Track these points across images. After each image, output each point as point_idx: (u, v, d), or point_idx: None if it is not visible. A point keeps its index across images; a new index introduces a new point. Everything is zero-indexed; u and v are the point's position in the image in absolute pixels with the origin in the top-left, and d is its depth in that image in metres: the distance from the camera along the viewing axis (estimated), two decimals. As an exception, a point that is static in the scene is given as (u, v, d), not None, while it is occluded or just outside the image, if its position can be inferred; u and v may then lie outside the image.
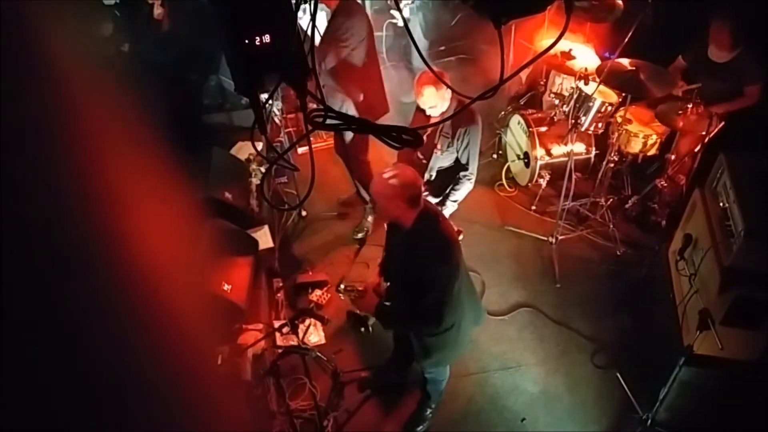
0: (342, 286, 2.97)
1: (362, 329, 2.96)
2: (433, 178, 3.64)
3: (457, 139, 3.42)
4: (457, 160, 3.52)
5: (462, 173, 3.52)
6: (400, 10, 5.48)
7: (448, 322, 2.74)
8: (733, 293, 3.09)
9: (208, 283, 3.06)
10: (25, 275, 0.55)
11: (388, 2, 5.14)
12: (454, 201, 3.57)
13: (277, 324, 3.26)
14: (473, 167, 3.53)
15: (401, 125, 1.41)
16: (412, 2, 5.46)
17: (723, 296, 3.12)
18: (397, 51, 6.30)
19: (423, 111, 3.40)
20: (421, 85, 3.26)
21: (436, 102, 3.28)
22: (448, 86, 3.07)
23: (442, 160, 3.55)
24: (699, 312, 3.17)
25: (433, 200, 3.58)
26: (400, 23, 5.12)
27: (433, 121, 3.36)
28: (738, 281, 3.08)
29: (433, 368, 3.15)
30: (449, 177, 3.57)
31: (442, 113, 3.35)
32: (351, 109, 4.05)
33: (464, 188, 3.55)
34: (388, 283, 2.96)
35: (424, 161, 3.61)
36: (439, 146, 3.49)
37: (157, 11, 4.63)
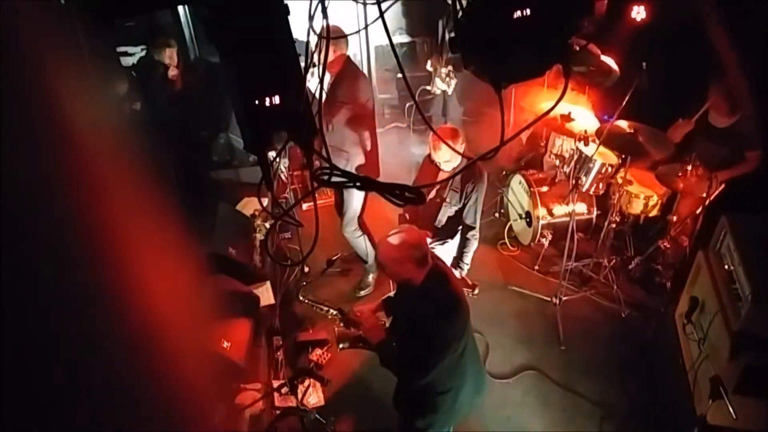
0: (341, 346, 2.99)
1: (343, 345, 2.98)
2: (441, 225, 3.73)
3: (465, 194, 3.54)
4: (460, 209, 3.61)
5: (470, 233, 3.63)
6: (401, 74, 5.64)
7: (447, 385, 2.69)
8: (745, 360, 3.01)
9: (208, 340, 3.02)
10: (27, 327, 0.55)
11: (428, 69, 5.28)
12: (467, 263, 3.70)
13: (276, 384, 3.19)
14: (478, 225, 3.65)
15: (404, 183, 1.43)
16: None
17: (734, 363, 3.04)
18: (401, 110, 6.48)
19: (434, 163, 3.54)
20: (436, 141, 3.40)
21: (451, 157, 3.41)
22: (451, 146, 3.17)
23: (449, 211, 3.66)
24: (710, 379, 3.07)
25: (441, 249, 3.70)
26: (436, 90, 5.29)
27: (442, 175, 3.53)
28: (749, 347, 3.01)
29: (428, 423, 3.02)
30: (454, 224, 3.68)
31: (453, 168, 3.48)
32: (354, 170, 4.14)
33: (473, 247, 3.68)
34: (388, 321, 2.93)
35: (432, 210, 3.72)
36: (448, 199, 3.60)
37: (172, 72, 4.81)
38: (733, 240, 3.33)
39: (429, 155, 3.63)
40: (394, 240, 2.54)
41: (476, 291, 3.59)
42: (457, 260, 3.71)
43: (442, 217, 3.70)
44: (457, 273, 3.59)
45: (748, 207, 3.61)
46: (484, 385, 3.04)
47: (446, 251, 3.74)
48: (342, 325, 3.06)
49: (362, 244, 4.57)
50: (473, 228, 3.63)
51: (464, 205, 3.58)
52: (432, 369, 2.60)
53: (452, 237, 3.75)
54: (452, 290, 2.66)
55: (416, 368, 2.64)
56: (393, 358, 2.75)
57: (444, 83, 4.78)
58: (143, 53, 5.66)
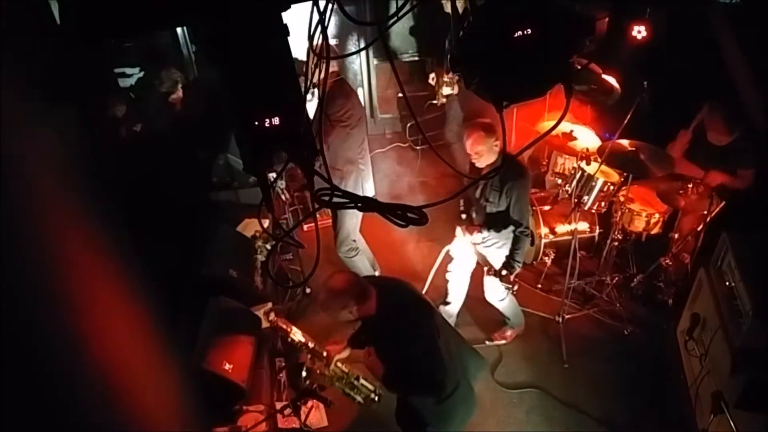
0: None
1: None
2: (483, 224, 3.73)
3: (505, 193, 3.55)
4: (506, 208, 3.62)
5: (518, 230, 3.63)
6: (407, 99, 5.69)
7: (450, 386, 2.73)
8: (746, 376, 3.01)
9: (210, 362, 3.01)
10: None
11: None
12: (519, 261, 3.71)
13: (278, 405, 3.16)
14: (526, 221, 3.64)
15: (405, 204, 1.43)
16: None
17: (736, 378, 3.04)
18: (403, 130, 6.52)
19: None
20: (469, 131, 3.46)
21: (479, 149, 3.42)
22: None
23: (493, 208, 3.65)
24: (712, 395, 3.07)
25: (498, 252, 3.74)
26: (442, 100, 5.36)
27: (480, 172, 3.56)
28: (750, 362, 3.01)
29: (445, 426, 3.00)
30: (503, 224, 3.66)
31: (488, 165, 3.48)
32: (349, 189, 4.15)
33: (524, 245, 3.70)
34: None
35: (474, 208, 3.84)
36: (491, 199, 3.61)
37: (174, 96, 4.85)
38: (734, 257, 3.34)
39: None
40: (323, 297, 2.64)
41: (515, 288, 3.81)
42: (509, 259, 3.71)
43: (485, 218, 3.70)
44: (503, 273, 3.67)
45: (748, 224, 3.62)
46: (481, 361, 3.08)
47: (502, 254, 3.75)
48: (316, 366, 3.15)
49: (357, 265, 4.55)
50: (521, 225, 3.62)
51: (508, 204, 3.58)
52: (442, 379, 2.66)
53: (507, 238, 3.72)
54: (408, 300, 2.76)
55: (430, 385, 2.69)
56: (399, 384, 2.80)
57: (449, 87, 4.86)
58: (141, 74, 5.71)
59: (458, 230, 3.86)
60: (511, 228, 3.65)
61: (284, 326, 3.21)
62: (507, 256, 3.72)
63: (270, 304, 3.69)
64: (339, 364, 3.14)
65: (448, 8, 4.76)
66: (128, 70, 5.77)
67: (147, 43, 5.70)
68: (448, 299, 4.26)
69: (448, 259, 4.08)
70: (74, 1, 1.18)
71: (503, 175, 3.48)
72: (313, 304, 4.59)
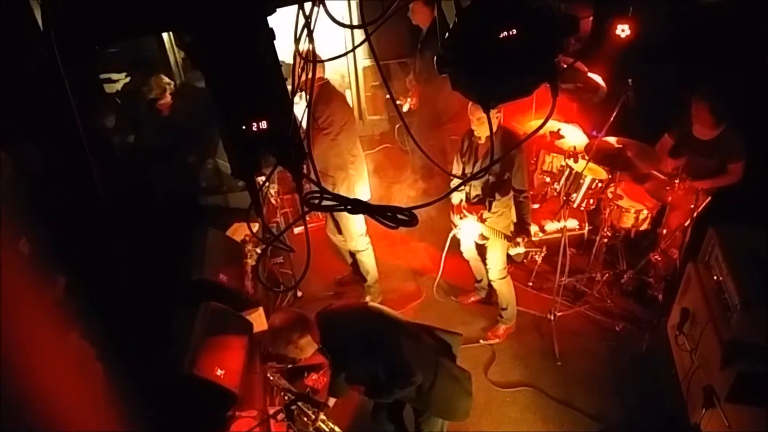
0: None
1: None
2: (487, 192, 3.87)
3: (507, 163, 3.71)
4: (509, 177, 3.78)
5: (522, 196, 3.82)
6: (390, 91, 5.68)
7: (430, 374, 2.83)
8: (736, 368, 3.04)
9: (201, 368, 2.98)
10: None
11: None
12: (530, 223, 3.92)
13: (271, 410, 3.15)
14: (527, 186, 3.84)
15: (395, 205, 1.43)
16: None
17: (726, 371, 3.07)
18: (391, 131, 6.52)
19: (472, 144, 3.81)
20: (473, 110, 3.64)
21: (481, 115, 3.53)
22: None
23: (495, 178, 3.82)
24: (703, 388, 3.10)
25: (497, 219, 3.88)
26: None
27: (480, 142, 3.75)
28: (740, 355, 3.04)
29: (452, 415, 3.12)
30: (504, 191, 3.82)
31: (486, 137, 3.66)
32: (342, 193, 4.14)
33: (529, 207, 3.91)
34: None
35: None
36: (496, 169, 3.74)
37: (163, 100, 4.82)
38: (721, 251, 3.37)
39: (466, 135, 3.86)
40: (268, 338, 2.82)
41: (544, 250, 4.12)
42: (521, 224, 3.87)
43: (490, 189, 3.83)
44: (519, 240, 3.82)
45: (735, 219, 3.65)
46: (455, 338, 3.13)
47: (505, 219, 3.91)
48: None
49: (368, 260, 4.55)
50: (524, 190, 3.79)
51: (510, 173, 3.71)
52: (412, 365, 2.75)
53: (506, 206, 3.87)
54: (354, 321, 2.91)
55: (405, 375, 2.77)
56: (380, 391, 2.88)
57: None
58: (128, 79, 5.66)
59: (455, 217, 3.99)
60: (511, 194, 3.81)
61: (281, 382, 3.29)
62: (517, 224, 3.90)
63: (261, 309, 3.67)
64: (323, 424, 3.16)
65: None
66: (114, 76, 5.72)
67: (133, 49, 5.65)
68: (478, 278, 4.46)
69: (456, 243, 4.17)
70: (58, 7, 1.17)
71: (504, 146, 3.59)
72: (304, 309, 4.57)
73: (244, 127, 1.32)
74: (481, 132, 3.66)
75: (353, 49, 5.92)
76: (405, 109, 5.52)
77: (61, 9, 1.19)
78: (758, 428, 3.06)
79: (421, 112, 5.23)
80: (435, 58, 1.37)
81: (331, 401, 3.18)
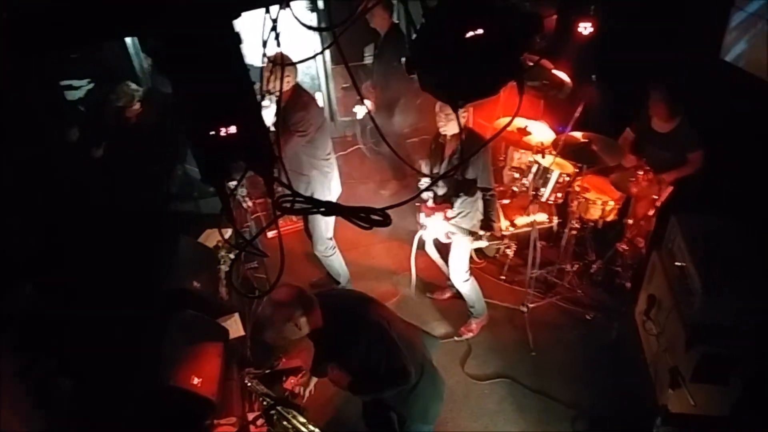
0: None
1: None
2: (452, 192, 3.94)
3: (472, 163, 3.79)
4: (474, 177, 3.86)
5: (488, 194, 3.94)
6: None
7: (415, 371, 2.74)
8: (700, 350, 3.15)
9: (178, 378, 2.95)
10: None
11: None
12: (494, 220, 4.09)
13: (250, 416, 3.13)
14: (491, 185, 3.95)
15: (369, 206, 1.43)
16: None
17: (690, 353, 3.18)
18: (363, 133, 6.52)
19: (439, 145, 3.92)
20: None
21: (449, 112, 3.63)
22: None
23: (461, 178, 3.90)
24: (669, 370, 3.21)
25: (466, 219, 3.96)
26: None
27: (447, 141, 3.87)
28: (703, 337, 3.16)
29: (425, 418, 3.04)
30: (471, 191, 3.90)
31: (453, 135, 3.77)
32: (317, 193, 4.14)
33: (494, 205, 4.06)
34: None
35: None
36: (461, 171, 3.84)
37: (131, 108, 4.72)
38: (683, 238, 3.48)
39: (434, 138, 3.99)
40: (267, 313, 2.52)
41: (511, 244, 4.45)
42: (488, 221, 4.00)
43: (456, 189, 3.90)
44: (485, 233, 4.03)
45: (695, 208, 3.77)
46: (432, 342, 3.21)
47: (470, 219, 3.98)
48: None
49: (335, 263, 4.56)
50: (490, 189, 3.92)
51: (475, 174, 3.80)
52: (405, 364, 2.67)
53: (471, 207, 3.95)
54: (350, 298, 2.87)
55: (397, 373, 2.70)
56: (366, 387, 2.81)
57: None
58: (91, 86, 5.51)
59: (421, 216, 4.02)
60: (478, 195, 3.89)
61: (259, 388, 3.22)
62: (482, 220, 4.01)
63: (236, 315, 3.65)
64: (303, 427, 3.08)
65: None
66: (75, 83, 5.56)
67: (95, 54, 5.50)
68: (448, 275, 4.46)
69: (422, 244, 4.22)
70: (12, 11, 1.12)
71: (466, 148, 3.68)
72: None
73: (212, 133, 1.31)
74: (448, 129, 3.73)
75: (322, 51, 5.91)
76: (360, 116, 5.61)
77: (16, 12, 1.11)
78: (722, 406, 3.19)
79: (378, 117, 5.26)
80: (404, 61, 1.38)
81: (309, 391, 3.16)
